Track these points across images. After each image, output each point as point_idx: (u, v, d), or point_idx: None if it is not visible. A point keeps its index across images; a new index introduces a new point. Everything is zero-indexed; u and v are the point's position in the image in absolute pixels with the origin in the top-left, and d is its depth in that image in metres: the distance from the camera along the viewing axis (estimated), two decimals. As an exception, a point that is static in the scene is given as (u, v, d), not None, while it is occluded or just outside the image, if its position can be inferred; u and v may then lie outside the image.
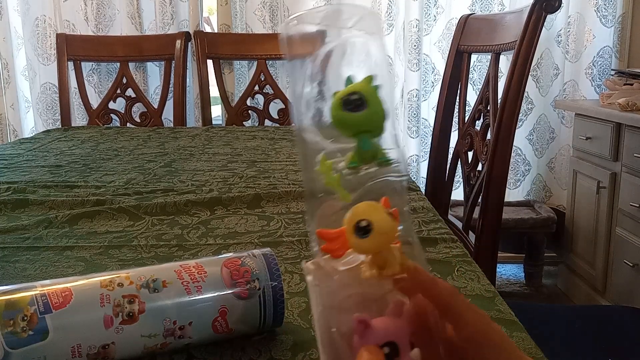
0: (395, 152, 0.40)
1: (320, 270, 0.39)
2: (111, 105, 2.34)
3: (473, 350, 0.36)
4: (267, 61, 2.29)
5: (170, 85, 2.32)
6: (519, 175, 2.44)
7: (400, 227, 0.38)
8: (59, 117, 2.31)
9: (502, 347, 0.36)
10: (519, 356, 0.36)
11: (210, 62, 2.33)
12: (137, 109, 2.36)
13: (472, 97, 2.09)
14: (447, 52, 1.81)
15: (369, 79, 0.38)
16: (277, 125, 2.26)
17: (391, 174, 0.40)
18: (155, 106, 2.34)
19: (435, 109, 1.89)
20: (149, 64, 2.39)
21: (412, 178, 1.21)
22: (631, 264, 1.80)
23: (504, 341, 0.36)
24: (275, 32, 2.34)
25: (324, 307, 0.38)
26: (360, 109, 0.37)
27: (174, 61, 2.30)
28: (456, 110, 1.77)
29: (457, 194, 2.06)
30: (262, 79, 2.30)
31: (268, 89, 2.31)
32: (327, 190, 0.38)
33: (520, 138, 2.37)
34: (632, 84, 1.96)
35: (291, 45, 0.40)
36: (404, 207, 0.40)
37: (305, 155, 0.39)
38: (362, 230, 0.36)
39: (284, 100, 2.30)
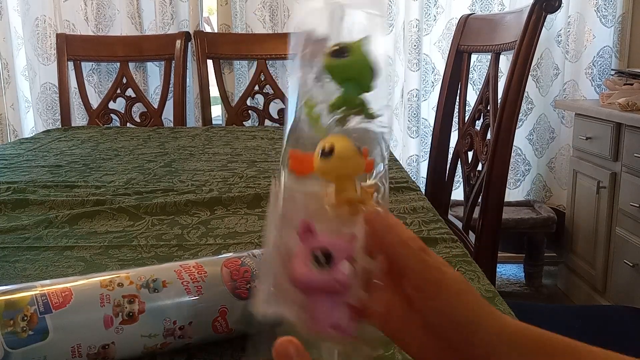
0: (382, 111, 0.45)
1: (285, 188, 0.42)
2: (111, 105, 2.34)
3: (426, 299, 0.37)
4: (267, 61, 2.29)
5: (170, 85, 2.32)
6: (519, 175, 2.44)
7: (375, 175, 0.43)
8: (59, 117, 2.32)
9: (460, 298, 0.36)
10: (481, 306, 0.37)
11: (210, 62, 2.33)
12: (137, 109, 2.36)
13: (472, 97, 2.09)
14: (447, 52, 1.81)
15: (362, 40, 0.44)
16: (277, 125, 2.26)
17: (373, 123, 0.44)
18: (155, 106, 2.34)
19: (435, 109, 1.89)
20: (149, 64, 2.39)
21: (412, 178, 1.21)
22: (631, 264, 1.80)
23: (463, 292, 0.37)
24: (276, 32, 2.34)
25: (280, 217, 0.41)
26: (343, 55, 0.43)
27: (174, 61, 2.30)
28: (456, 110, 1.77)
29: (457, 194, 2.06)
30: (262, 79, 2.30)
31: (268, 89, 2.31)
32: (309, 127, 0.43)
33: (520, 138, 2.37)
34: (632, 84, 1.96)
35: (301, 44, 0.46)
36: (383, 160, 0.44)
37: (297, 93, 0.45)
38: (324, 153, 0.40)
39: (284, 100, 2.30)
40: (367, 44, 0.44)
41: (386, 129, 0.45)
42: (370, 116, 0.44)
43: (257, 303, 0.39)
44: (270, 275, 0.40)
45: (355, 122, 0.44)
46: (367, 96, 0.45)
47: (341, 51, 0.43)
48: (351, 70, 0.43)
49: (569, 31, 2.28)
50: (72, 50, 2.29)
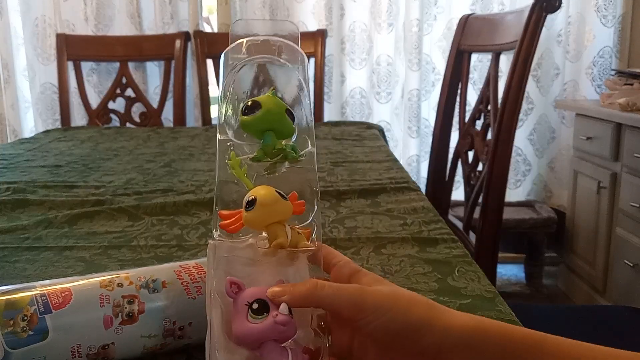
0: (307, 152, 0.48)
1: (220, 244, 0.44)
2: (111, 105, 2.34)
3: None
4: (267, 61, 2.28)
5: (170, 85, 2.32)
6: (519, 175, 2.43)
7: (312, 214, 0.46)
8: (59, 117, 2.31)
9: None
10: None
11: (210, 62, 2.33)
12: (137, 108, 2.35)
13: (472, 97, 2.09)
14: (448, 52, 1.81)
15: (270, 91, 0.48)
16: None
17: (297, 165, 0.47)
18: (155, 106, 2.33)
19: (435, 108, 1.89)
20: (148, 63, 2.39)
21: (413, 178, 1.21)
22: (631, 264, 1.80)
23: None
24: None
25: (217, 274, 0.43)
26: (255, 111, 0.45)
27: (173, 61, 2.29)
28: (457, 110, 1.77)
29: (458, 194, 2.06)
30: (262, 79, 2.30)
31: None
32: (236, 179, 0.45)
33: (521, 138, 2.37)
34: (632, 84, 1.95)
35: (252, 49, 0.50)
36: (315, 198, 0.47)
37: (220, 151, 0.47)
38: (248, 203, 0.42)
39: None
40: (275, 93, 0.47)
41: (311, 167, 0.48)
42: (295, 159, 0.47)
43: None
44: (219, 334, 0.40)
45: (282, 168, 0.47)
46: (289, 141, 0.48)
47: (253, 107, 0.46)
48: (265, 122, 0.46)
49: (569, 31, 2.28)
50: (72, 50, 2.28)
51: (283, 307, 0.39)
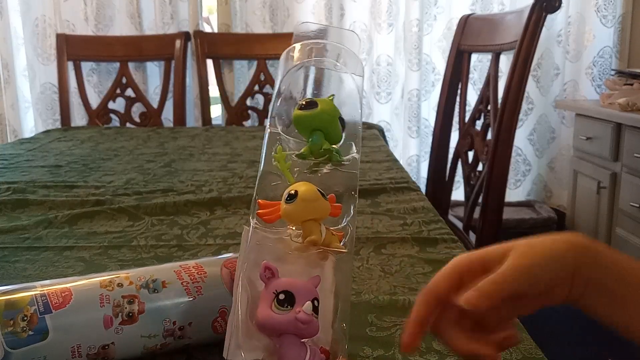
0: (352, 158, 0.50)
1: (255, 230, 0.45)
2: (111, 105, 2.34)
3: None
4: (267, 61, 2.29)
5: (170, 85, 2.32)
6: (519, 175, 2.44)
7: (347, 219, 0.47)
8: (59, 117, 2.31)
9: None
10: None
11: (210, 62, 2.33)
12: (137, 109, 2.35)
13: (472, 97, 2.09)
14: (448, 52, 1.81)
15: (330, 96, 0.49)
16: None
17: (340, 169, 0.49)
18: (155, 106, 2.33)
19: (435, 108, 1.89)
20: (148, 63, 2.39)
21: (413, 178, 1.21)
22: (631, 264, 1.80)
23: None
24: (275, 32, 2.34)
25: (248, 260, 0.43)
26: (311, 109, 0.47)
27: (173, 61, 2.29)
28: (456, 110, 1.77)
29: (458, 194, 2.05)
30: (262, 79, 2.30)
31: (268, 89, 2.31)
32: (279, 172, 0.47)
33: (521, 138, 2.37)
34: (632, 84, 1.96)
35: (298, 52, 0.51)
36: (353, 204, 0.48)
37: (267, 143, 0.49)
38: (289, 196, 0.43)
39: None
40: (332, 97, 0.49)
41: (353, 173, 0.49)
42: (339, 162, 0.49)
43: (227, 349, 0.40)
44: (240, 321, 0.41)
45: (325, 168, 0.49)
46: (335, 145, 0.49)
47: (309, 104, 0.48)
48: (318, 121, 0.48)
49: (569, 31, 2.28)
50: (72, 50, 2.28)
51: (307, 306, 0.38)
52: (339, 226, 0.46)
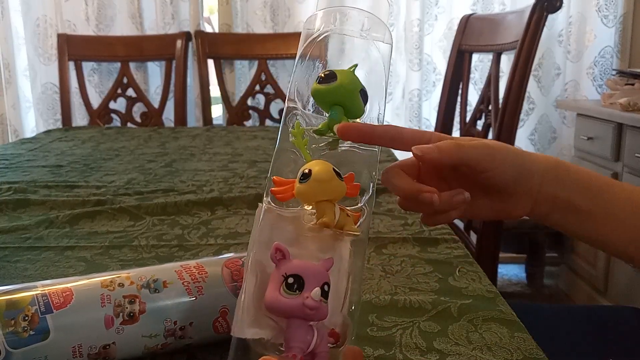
0: None
1: (268, 211, 0.43)
2: (112, 105, 2.34)
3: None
4: (267, 61, 2.29)
5: (171, 85, 2.32)
6: (520, 175, 2.43)
7: (364, 199, 0.45)
8: (60, 117, 2.31)
9: None
10: None
11: (211, 62, 2.33)
12: (138, 108, 2.35)
13: (473, 97, 2.09)
14: (449, 52, 1.81)
15: (352, 67, 0.45)
16: (278, 125, 2.25)
17: (358, 146, 0.46)
18: (156, 106, 2.34)
19: (436, 109, 1.89)
20: (149, 63, 2.39)
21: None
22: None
23: None
24: (276, 32, 2.34)
25: (260, 241, 0.41)
26: (330, 82, 0.44)
27: (174, 61, 2.29)
28: (457, 110, 1.76)
29: (458, 194, 2.05)
30: (263, 79, 2.30)
31: (269, 89, 2.31)
32: (296, 149, 0.44)
33: (522, 138, 2.36)
34: (633, 84, 1.95)
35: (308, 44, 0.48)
36: (372, 183, 0.46)
37: (285, 118, 0.47)
38: (303, 175, 0.41)
39: (285, 99, 2.29)
40: (354, 68, 0.45)
41: (375, 151, 0.47)
42: None
43: (236, 325, 0.39)
44: (249, 298, 0.40)
45: (345, 145, 0.46)
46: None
47: (328, 77, 0.44)
48: (337, 95, 0.44)
49: (570, 31, 2.27)
50: (73, 50, 2.29)
51: (315, 292, 0.37)
52: (356, 206, 0.45)
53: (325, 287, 0.38)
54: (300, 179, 0.41)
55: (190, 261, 0.53)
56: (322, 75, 0.45)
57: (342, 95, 0.45)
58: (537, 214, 0.48)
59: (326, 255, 0.41)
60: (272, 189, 0.43)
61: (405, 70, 2.33)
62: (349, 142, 0.46)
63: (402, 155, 0.52)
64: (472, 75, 2.20)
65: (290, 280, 0.38)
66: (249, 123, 2.33)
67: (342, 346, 0.41)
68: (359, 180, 0.44)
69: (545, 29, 1.37)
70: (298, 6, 2.32)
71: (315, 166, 0.42)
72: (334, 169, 0.42)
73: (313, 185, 0.41)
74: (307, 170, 0.41)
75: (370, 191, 0.45)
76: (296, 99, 0.47)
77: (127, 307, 0.47)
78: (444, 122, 1.79)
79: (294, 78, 0.47)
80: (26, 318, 0.44)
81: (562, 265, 2.37)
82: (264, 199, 0.44)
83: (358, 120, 0.46)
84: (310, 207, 0.43)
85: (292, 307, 0.37)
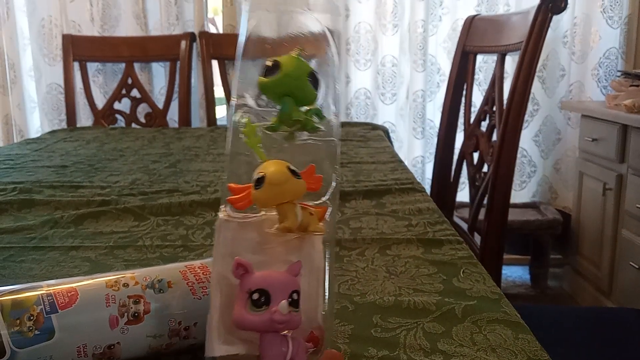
0: (330, 122, 0.43)
1: (228, 222, 0.41)
2: (116, 105, 2.34)
3: None
4: (272, 62, 2.29)
5: (175, 86, 2.32)
6: (524, 176, 2.43)
7: (328, 192, 0.42)
8: (65, 118, 2.32)
9: None
10: None
11: (215, 63, 2.33)
12: (142, 109, 2.36)
13: (477, 98, 2.08)
14: (453, 53, 1.81)
15: (295, 51, 0.42)
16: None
17: (315, 138, 0.43)
18: (160, 106, 2.34)
19: (440, 109, 1.88)
20: (154, 64, 2.40)
21: (418, 179, 1.21)
22: (637, 266, 1.79)
23: None
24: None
25: (222, 254, 0.40)
26: (275, 73, 0.41)
27: (179, 62, 2.30)
28: (462, 111, 1.76)
29: (463, 195, 2.05)
30: (267, 80, 2.30)
31: (273, 90, 2.31)
32: (249, 150, 0.41)
33: (526, 139, 2.36)
34: (638, 86, 1.95)
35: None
36: (335, 173, 0.43)
37: (234, 117, 0.43)
38: (257, 181, 0.39)
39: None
40: (299, 55, 0.42)
41: (334, 141, 0.44)
42: (314, 129, 0.43)
43: (208, 344, 0.38)
44: (216, 316, 0.39)
45: (302, 137, 0.43)
46: (312, 108, 0.42)
47: (273, 68, 0.41)
48: (284, 86, 0.41)
49: (575, 32, 2.27)
50: (78, 50, 2.29)
51: (282, 305, 0.36)
52: (320, 201, 0.42)
53: (295, 296, 0.37)
54: (255, 185, 0.39)
55: (195, 261, 0.53)
56: (266, 65, 0.41)
57: (289, 85, 0.41)
58: None
59: (295, 258, 0.39)
60: (229, 197, 0.40)
61: (410, 71, 2.33)
62: (306, 133, 0.42)
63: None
64: (476, 76, 2.20)
65: (255, 296, 0.36)
66: (253, 124, 2.33)
67: (320, 351, 0.40)
68: (321, 172, 0.42)
69: (550, 30, 1.36)
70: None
71: (269, 168, 0.39)
72: (289, 168, 0.39)
73: (268, 190, 0.39)
74: (260, 175, 0.39)
75: (333, 182, 0.43)
76: (245, 94, 0.43)
77: (131, 307, 0.47)
78: (448, 123, 1.79)
79: (237, 72, 0.44)
80: (31, 318, 0.44)
81: (567, 267, 2.37)
82: (221, 208, 0.41)
83: (313, 106, 0.43)
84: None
85: (261, 324, 0.36)
